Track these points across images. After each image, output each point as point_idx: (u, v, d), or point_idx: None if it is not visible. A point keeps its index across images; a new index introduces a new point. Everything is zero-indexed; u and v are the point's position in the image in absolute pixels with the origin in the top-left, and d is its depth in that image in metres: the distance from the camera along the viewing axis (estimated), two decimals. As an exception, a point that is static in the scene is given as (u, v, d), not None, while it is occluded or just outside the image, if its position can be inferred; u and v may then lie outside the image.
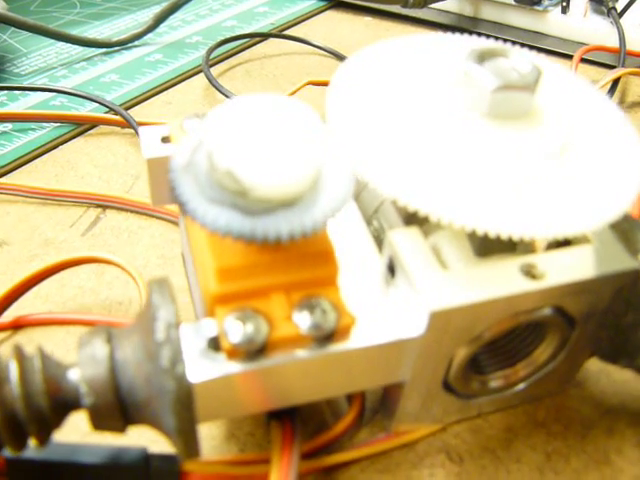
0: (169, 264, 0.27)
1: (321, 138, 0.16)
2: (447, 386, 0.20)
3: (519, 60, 0.18)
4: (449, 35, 0.22)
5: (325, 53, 0.43)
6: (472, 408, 0.21)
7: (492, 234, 0.16)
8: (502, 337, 0.20)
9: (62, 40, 0.41)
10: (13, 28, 0.45)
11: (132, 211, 0.30)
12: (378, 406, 0.21)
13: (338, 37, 0.46)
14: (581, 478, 0.20)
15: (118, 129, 0.35)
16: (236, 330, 0.16)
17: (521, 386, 0.21)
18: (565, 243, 0.20)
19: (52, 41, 0.43)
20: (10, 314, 0.24)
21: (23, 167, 0.33)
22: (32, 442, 0.16)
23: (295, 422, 0.19)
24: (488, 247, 0.19)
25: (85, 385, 0.15)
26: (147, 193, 0.30)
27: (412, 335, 0.17)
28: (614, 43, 0.42)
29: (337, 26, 0.48)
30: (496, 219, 0.16)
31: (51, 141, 0.34)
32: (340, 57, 0.42)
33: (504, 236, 0.16)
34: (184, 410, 0.15)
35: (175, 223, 0.29)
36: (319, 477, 0.20)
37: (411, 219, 0.19)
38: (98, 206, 0.30)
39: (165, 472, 0.18)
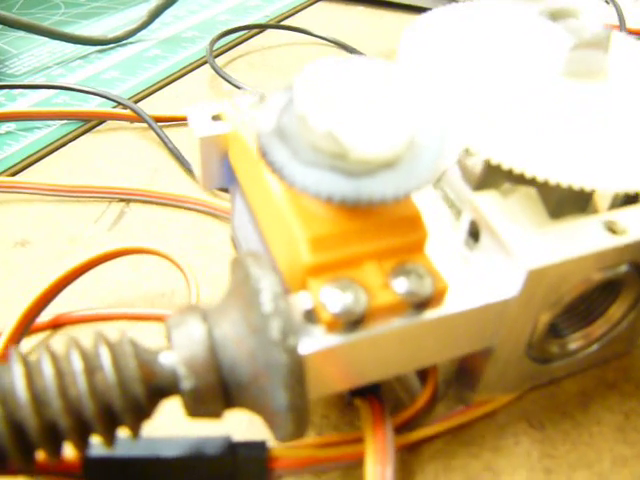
0: (207, 253, 0.26)
1: (413, 95, 0.15)
2: (528, 352, 0.19)
3: (590, 19, 0.18)
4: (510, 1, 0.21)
5: (325, 42, 0.43)
6: (546, 374, 0.21)
7: (575, 187, 0.16)
8: (579, 298, 0.20)
9: (56, 38, 0.39)
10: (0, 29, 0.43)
11: (158, 203, 0.29)
12: (452, 378, 0.21)
13: (334, 27, 0.45)
14: (665, 435, 0.20)
15: (127, 124, 0.34)
16: (335, 300, 0.15)
17: (595, 347, 0.20)
18: (628, 201, 0.19)
19: (42, 41, 0.42)
20: (47, 313, 0.23)
21: (33, 166, 0.32)
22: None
23: (381, 398, 0.18)
24: (561, 209, 0.18)
25: (184, 367, 0.15)
26: (169, 185, 0.30)
27: (507, 296, 0.17)
28: (613, 22, 0.43)
29: (331, 16, 0.48)
30: (587, 174, 0.16)
31: (59, 139, 0.33)
32: (341, 45, 0.42)
33: (587, 189, 0.16)
34: (297, 384, 0.14)
35: (205, 213, 0.28)
36: (404, 455, 0.19)
37: (481, 185, 0.19)
38: (121, 200, 0.29)
39: (253, 460, 0.18)
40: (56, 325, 0.24)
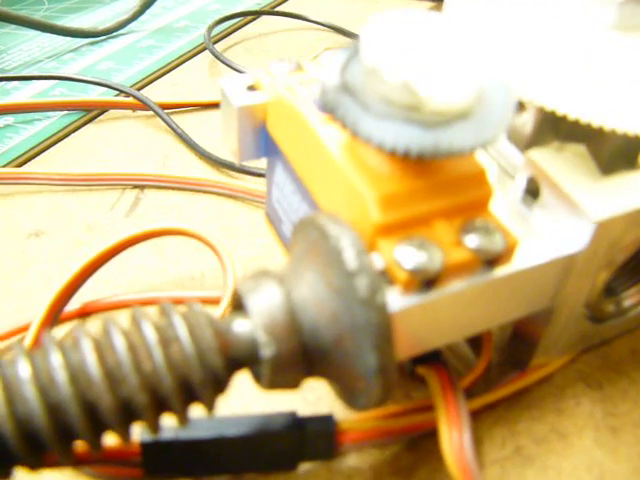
0: (233, 235, 0.25)
1: (478, 50, 0.15)
2: (585, 312, 0.19)
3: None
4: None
5: (321, 27, 0.42)
6: (597, 335, 0.20)
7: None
8: (632, 255, 0.20)
9: (46, 31, 0.38)
10: (-17, 26, 0.42)
11: (174, 188, 0.28)
12: (505, 344, 0.20)
13: (328, 11, 0.45)
14: None
15: (129, 113, 0.33)
16: (410, 258, 0.14)
17: (647, 304, 0.20)
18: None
19: (30, 35, 0.40)
20: (74, 301, 0.22)
21: (36, 158, 0.31)
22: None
23: (447, 364, 0.18)
24: (612, 164, 0.18)
25: (265, 334, 0.14)
26: (182, 169, 0.29)
27: (575, 250, 0.16)
28: None
29: (325, 1, 0.47)
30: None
31: (61, 130, 0.32)
32: (337, 30, 0.41)
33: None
34: (387, 344, 0.14)
35: (224, 195, 0.27)
36: (467, 422, 0.19)
37: (530, 144, 0.19)
38: (135, 187, 0.28)
39: (320, 435, 0.17)
40: (84, 313, 0.23)
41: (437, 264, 0.15)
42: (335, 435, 0.17)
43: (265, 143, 0.20)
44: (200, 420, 0.17)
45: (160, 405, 0.14)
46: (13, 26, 0.41)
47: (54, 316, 0.21)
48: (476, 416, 0.19)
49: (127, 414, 0.14)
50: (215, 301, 0.22)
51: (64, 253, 0.25)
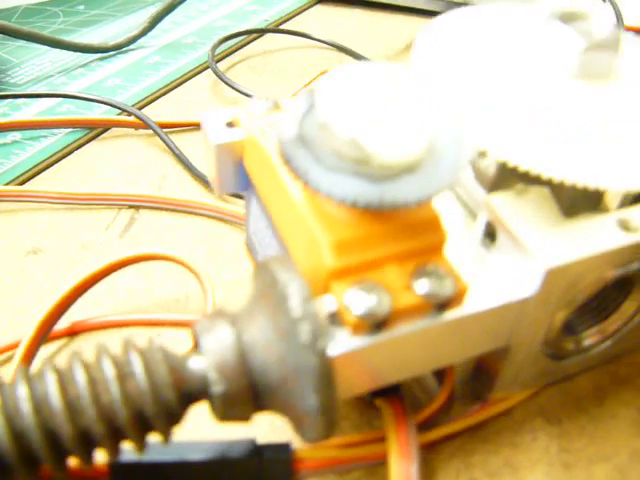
0: (219, 259, 0.26)
1: (432, 102, 0.16)
2: (544, 349, 0.19)
3: (599, 21, 0.19)
4: (517, 5, 0.22)
5: (325, 46, 0.43)
6: (560, 371, 0.21)
7: (590, 188, 0.17)
8: (593, 295, 0.20)
9: (56, 47, 0.40)
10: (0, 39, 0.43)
11: (168, 209, 0.29)
12: (468, 378, 0.21)
13: (332, 30, 0.46)
14: (680, 429, 0.20)
15: (132, 131, 0.35)
16: (360, 302, 0.15)
17: (609, 342, 0.21)
18: (637, 200, 0.20)
19: (43, 50, 0.42)
20: (63, 321, 0.23)
21: (41, 174, 0.32)
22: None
23: (402, 398, 0.19)
24: (574, 207, 0.19)
25: (215, 372, 0.15)
26: (177, 191, 0.30)
27: (525, 295, 0.17)
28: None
29: (329, 20, 0.48)
30: (601, 174, 0.17)
31: (65, 147, 0.33)
32: (340, 49, 0.42)
33: (602, 189, 0.17)
34: (327, 386, 0.15)
35: (216, 218, 0.28)
36: (424, 453, 0.19)
37: (495, 186, 0.19)
38: (130, 207, 0.29)
39: (277, 462, 0.18)
40: (73, 332, 0.24)
41: (385, 308, 0.15)
42: (292, 463, 0.18)
43: (243, 177, 0.21)
44: (166, 444, 0.18)
45: (117, 434, 0.15)
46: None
47: (43, 334, 0.22)
48: (434, 447, 0.20)
49: (86, 441, 0.15)
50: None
51: (59, 272, 0.26)
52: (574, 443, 0.20)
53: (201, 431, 0.19)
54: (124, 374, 0.15)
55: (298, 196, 0.17)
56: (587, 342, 0.20)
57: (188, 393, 0.15)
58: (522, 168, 0.17)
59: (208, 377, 0.15)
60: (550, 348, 0.20)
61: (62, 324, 0.23)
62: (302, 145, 0.16)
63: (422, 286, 0.16)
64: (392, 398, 0.19)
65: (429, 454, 0.19)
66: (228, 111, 0.21)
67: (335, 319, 0.16)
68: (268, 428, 0.20)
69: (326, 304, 0.16)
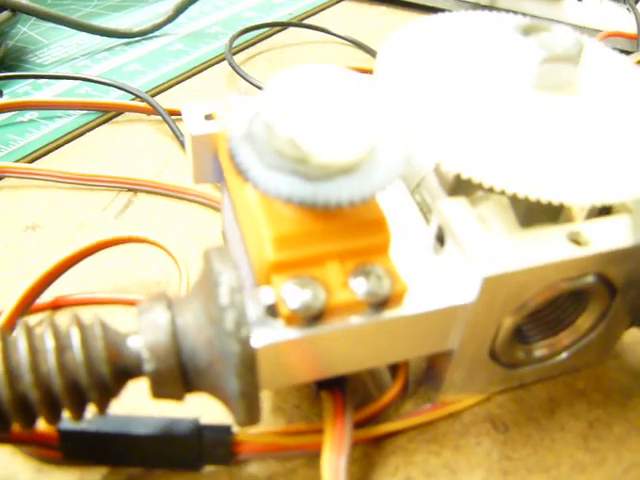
0: (203, 244, 0.27)
1: (377, 106, 0.16)
2: (493, 355, 0.20)
3: (562, 34, 0.19)
4: (487, 13, 0.22)
5: (345, 42, 0.43)
6: (514, 378, 0.21)
7: (543, 201, 0.17)
8: (546, 306, 0.20)
9: (84, 30, 0.41)
10: (33, 20, 0.45)
11: (163, 194, 0.30)
12: (422, 377, 0.21)
13: (356, 26, 0.46)
14: (625, 444, 0.20)
15: (144, 116, 0.36)
16: (294, 296, 0.16)
17: (564, 355, 0.21)
18: (604, 212, 0.20)
19: (72, 32, 0.43)
20: (48, 294, 0.24)
21: (52, 153, 0.33)
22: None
23: (345, 392, 0.19)
24: (532, 217, 0.19)
25: (147, 351, 0.16)
26: (177, 177, 0.31)
27: (464, 301, 0.17)
28: (631, 29, 0.43)
29: (354, 16, 0.49)
30: (555, 188, 0.17)
31: (78, 128, 0.34)
32: (360, 46, 0.42)
33: (555, 202, 0.17)
34: (248, 372, 0.15)
35: (207, 205, 0.29)
36: (367, 447, 0.20)
37: (455, 191, 0.20)
38: (129, 190, 0.30)
39: (218, 442, 0.19)
40: (55, 306, 0.25)
41: (319, 303, 0.16)
42: (232, 444, 0.19)
43: (219, 168, 0.22)
44: (115, 416, 0.19)
45: (53, 402, 0.16)
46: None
47: (26, 306, 0.23)
48: (378, 442, 0.20)
49: (24, 407, 0.16)
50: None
51: (53, 248, 0.27)
52: (517, 451, 0.20)
53: (161, 407, 0.20)
54: (63, 346, 0.16)
55: (251, 191, 0.17)
56: (538, 353, 0.20)
57: (123, 369, 0.16)
58: (475, 180, 0.17)
59: (141, 355, 0.16)
60: (501, 355, 0.20)
61: (46, 297, 0.24)
62: (249, 142, 0.16)
63: (359, 285, 0.16)
64: (335, 391, 0.19)
65: (371, 448, 0.20)
66: (209, 104, 0.22)
67: (273, 310, 0.16)
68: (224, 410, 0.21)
69: (264, 295, 0.16)
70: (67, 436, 0.19)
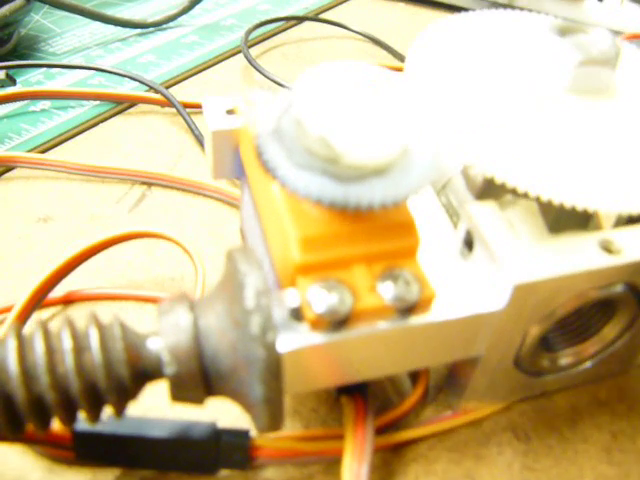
0: (220, 241, 0.27)
1: (409, 106, 0.16)
2: (517, 363, 0.19)
3: (598, 36, 0.18)
4: (517, 12, 0.21)
5: (361, 38, 0.43)
6: (537, 387, 0.21)
7: (579, 208, 0.16)
8: (572, 314, 0.20)
9: (97, 20, 0.40)
10: (46, 8, 0.44)
11: (178, 189, 0.29)
12: (443, 383, 0.21)
13: (373, 22, 0.46)
14: (650, 458, 0.20)
15: (158, 108, 0.35)
16: (321, 300, 0.15)
17: (588, 364, 0.20)
18: (633, 220, 0.19)
19: (86, 21, 0.43)
20: (60, 289, 0.24)
21: (64, 144, 0.33)
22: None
23: (367, 397, 0.19)
24: (561, 224, 0.18)
25: (168, 354, 0.15)
26: (192, 171, 0.30)
27: (493, 309, 0.17)
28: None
29: (372, 11, 0.48)
30: (589, 195, 0.16)
31: (91, 119, 0.34)
32: (377, 42, 0.42)
33: (590, 210, 0.16)
34: (273, 379, 0.15)
35: (223, 201, 0.29)
36: (387, 454, 0.19)
37: (483, 195, 0.19)
38: (143, 183, 0.30)
39: (235, 447, 0.18)
40: (67, 301, 0.24)
41: (346, 308, 0.16)
42: (249, 449, 0.18)
43: (239, 164, 0.21)
44: (130, 418, 0.18)
45: (70, 404, 0.15)
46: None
47: (38, 300, 0.23)
48: (398, 449, 0.20)
49: (40, 408, 0.15)
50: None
51: (65, 241, 0.27)
52: (539, 462, 0.19)
53: (176, 410, 0.20)
54: (81, 347, 0.15)
55: (276, 189, 0.17)
56: (563, 361, 0.20)
57: (142, 371, 0.16)
58: (509, 185, 0.17)
59: (161, 357, 0.15)
60: (525, 363, 0.19)
61: (58, 292, 0.24)
62: (277, 140, 0.16)
63: (387, 289, 0.16)
64: (356, 396, 0.19)
65: (391, 456, 0.19)
66: (231, 99, 0.21)
67: (297, 314, 0.16)
68: (239, 414, 0.20)
69: (290, 298, 0.16)
70: (81, 437, 0.18)
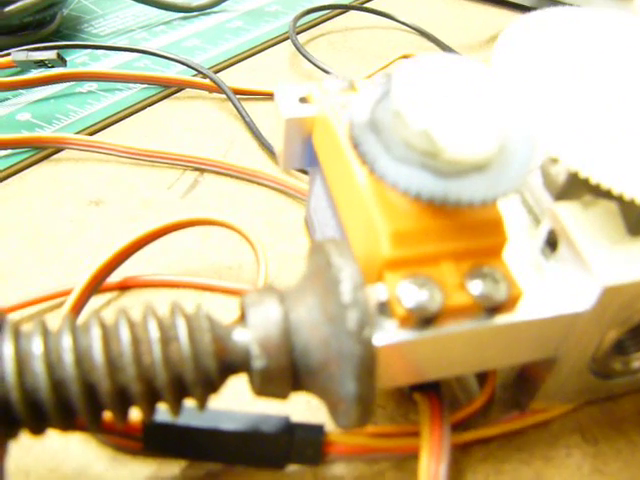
0: (277, 231, 0.26)
1: (508, 102, 0.15)
2: (591, 365, 0.19)
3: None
4: (604, 11, 0.21)
5: (407, 29, 0.42)
6: (605, 389, 0.20)
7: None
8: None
9: (141, 2, 0.40)
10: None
11: (232, 176, 0.29)
12: (511, 383, 0.21)
13: (418, 14, 0.45)
14: None
15: (205, 93, 0.35)
16: (411, 296, 0.15)
17: (660, 369, 0.20)
18: None
19: (128, 3, 0.42)
20: (115, 275, 0.23)
21: (111, 127, 0.32)
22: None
23: (441, 396, 0.18)
24: (641, 225, 0.18)
25: (258, 347, 0.15)
26: (243, 158, 0.30)
27: (579, 310, 0.17)
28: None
29: (416, 3, 0.47)
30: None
31: (138, 102, 0.34)
32: (423, 34, 0.41)
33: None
34: (368, 375, 0.14)
35: (279, 190, 0.28)
36: (456, 453, 0.19)
37: (562, 194, 0.19)
38: (195, 169, 0.30)
39: (309, 442, 0.18)
40: (124, 287, 0.24)
41: (436, 305, 0.15)
42: (322, 444, 0.18)
43: (310, 153, 0.21)
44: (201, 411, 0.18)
45: (154, 395, 0.15)
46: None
47: (95, 286, 0.23)
48: (467, 449, 0.19)
49: (123, 399, 0.15)
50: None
51: (117, 225, 0.27)
52: (609, 465, 0.19)
53: (240, 402, 0.20)
54: (168, 338, 0.15)
55: (363, 181, 0.17)
56: (636, 364, 0.20)
57: (229, 364, 0.15)
58: (593, 180, 0.16)
59: (250, 351, 0.15)
60: (597, 365, 0.19)
61: (114, 278, 0.24)
62: (372, 131, 0.15)
63: (476, 287, 0.16)
64: (431, 394, 0.18)
65: (461, 455, 0.19)
66: (303, 86, 0.21)
67: (384, 309, 0.16)
68: (304, 407, 0.20)
69: (377, 293, 0.16)
70: (153, 428, 0.18)
